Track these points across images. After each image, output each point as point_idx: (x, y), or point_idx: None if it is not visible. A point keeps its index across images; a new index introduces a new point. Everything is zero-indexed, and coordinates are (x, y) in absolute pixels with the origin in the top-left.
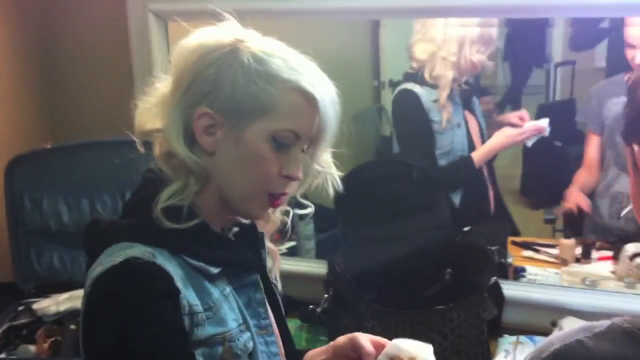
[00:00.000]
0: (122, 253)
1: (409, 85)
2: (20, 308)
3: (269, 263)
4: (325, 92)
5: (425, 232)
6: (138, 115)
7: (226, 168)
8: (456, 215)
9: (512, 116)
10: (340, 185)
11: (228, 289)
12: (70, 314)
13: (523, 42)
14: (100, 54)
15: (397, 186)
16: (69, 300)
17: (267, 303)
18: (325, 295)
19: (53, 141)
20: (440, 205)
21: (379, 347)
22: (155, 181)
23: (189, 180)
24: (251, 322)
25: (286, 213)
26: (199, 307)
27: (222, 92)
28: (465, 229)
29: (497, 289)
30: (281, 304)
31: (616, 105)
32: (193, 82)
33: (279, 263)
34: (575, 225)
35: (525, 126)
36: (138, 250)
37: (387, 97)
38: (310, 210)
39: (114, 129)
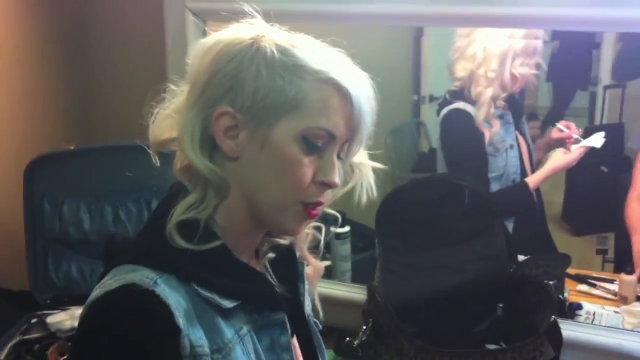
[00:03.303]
0: (122, 277)
1: (460, 105)
2: (34, 320)
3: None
4: (359, 84)
5: (476, 262)
6: (154, 126)
7: (252, 175)
8: (510, 244)
9: (555, 130)
10: (374, 193)
11: (245, 329)
12: None
13: (568, 63)
14: (134, 53)
15: (446, 209)
16: None
17: (294, 347)
18: (364, 327)
19: (78, 143)
20: (494, 232)
21: None
22: (177, 195)
23: (207, 192)
24: None
25: (319, 229)
26: (204, 348)
27: (243, 88)
28: (521, 259)
29: (555, 329)
30: (322, 347)
31: None
32: (210, 80)
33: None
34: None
35: (578, 148)
36: (140, 275)
37: (427, 112)
38: (347, 228)
39: (143, 133)
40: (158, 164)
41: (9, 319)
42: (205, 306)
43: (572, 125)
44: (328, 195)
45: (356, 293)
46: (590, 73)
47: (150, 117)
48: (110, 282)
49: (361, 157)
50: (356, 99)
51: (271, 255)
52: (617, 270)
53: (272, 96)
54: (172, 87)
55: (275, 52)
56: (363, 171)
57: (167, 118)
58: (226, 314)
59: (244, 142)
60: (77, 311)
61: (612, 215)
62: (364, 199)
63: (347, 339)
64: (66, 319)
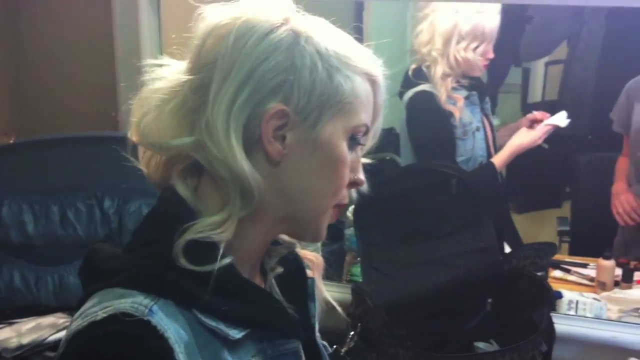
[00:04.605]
0: (110, 305)
1: (426, 87)
2: None
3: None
4: (381, 72)
5: (465, 256)
6: (154, 125)
7: (295, 181)
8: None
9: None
10: (366, 187)
11: None
12: (36, 348)
13: (501, 38)
14: (76, 34)
15: (431, 200)
16: (34, 331)
17: None
18: (352, 333)
19: (17, 135)
20: (484, 223)
21: None
22: (178, 204)
23: (234, 207)
24: None
25: None
26: None
27: (299, 83)
28: (507, 251)
29: (549, 324)
30: None
31: None
32: (253, 72)
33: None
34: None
35: (543, 127)
36: (131, 302)
37: None
38: None
39: (91, 123)
40: (146, 170)
41: None
42: (209, 337)
43: (540, 114)
44: None
45: (331, 291)
46: (531, 47)
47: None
48: (95, 310)
49: None
50: (383, 89)
51: (279, 270)
52: (573, 251)
53: (330, 93)
54: (156, 75)
55: (327, 41)
56: None
57: (171, 115)
58: (233, 345)
59: (291, 145)
60: (24, 326)
61: (554, 191)
62: (354, 194)
63: (335, 346)
64: (12, 336)
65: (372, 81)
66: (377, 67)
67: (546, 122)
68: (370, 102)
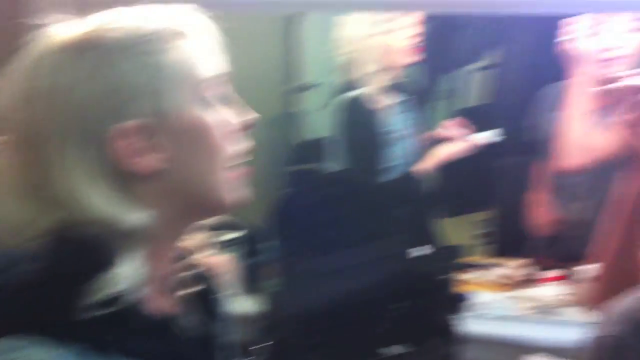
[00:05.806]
0: None
1: (356, 92)
2: None
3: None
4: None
5: (378, 262)
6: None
7: (183, 170)
8: (410, 240)
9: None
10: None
11: None
12: None
13: (440, 43)
14: None
15: (344, 208)
16: None
17: None
18: (265, 343)
19: None
20: (395, 230)
21: None
22: (87, 253)
23: (133, 253)
24: None
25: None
26: None
27: (122, 94)
28: (416, 254)
29: (455, 325)
30: None
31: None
32: (60, 115)
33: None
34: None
35: (471, 140)
36: None
37: (302, 102)
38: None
39: None
40: None
41: None
42: None
43: (457, 124)
44: None
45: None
46: (461, 54)
47: None
48: None
49: None
50: (202, 32)
51: (189, 289)
52: (500, 253)
53: (156, 78)
54: None
55: (117, 35)
56: None
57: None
58: None
59: (153, 148)
60: None
61: (483, 195)
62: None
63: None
64: None
65: (181, 34)
66: (177, 20)
67: (475, 137)
68: (196, 56)
